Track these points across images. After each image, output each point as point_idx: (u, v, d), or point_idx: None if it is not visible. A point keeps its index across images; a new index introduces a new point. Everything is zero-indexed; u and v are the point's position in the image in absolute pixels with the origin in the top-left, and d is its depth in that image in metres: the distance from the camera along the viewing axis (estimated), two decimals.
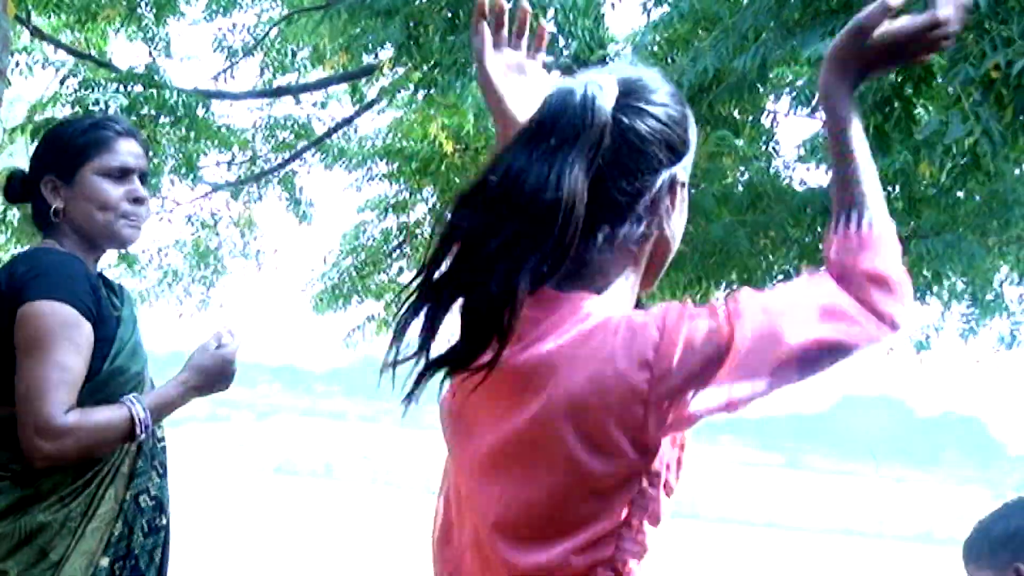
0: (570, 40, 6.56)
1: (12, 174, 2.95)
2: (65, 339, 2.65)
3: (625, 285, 1.89)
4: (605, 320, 1.80)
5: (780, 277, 8.30)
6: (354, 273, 11.97)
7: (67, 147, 2.87)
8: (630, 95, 1.84)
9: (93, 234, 2.87)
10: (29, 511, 2.69)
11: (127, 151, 2.91)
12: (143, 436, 2.75)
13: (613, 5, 6.60)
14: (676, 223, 1.91)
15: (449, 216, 1.82)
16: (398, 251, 12.10)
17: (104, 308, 2.76)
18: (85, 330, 2.68)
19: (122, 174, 2.88)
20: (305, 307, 12.13)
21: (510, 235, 1.74)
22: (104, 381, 2.74)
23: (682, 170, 1.90)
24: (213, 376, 2.89)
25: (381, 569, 23.48)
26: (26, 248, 2.90)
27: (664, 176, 1.85)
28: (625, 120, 1.82)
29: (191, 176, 10.76)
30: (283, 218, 11.95)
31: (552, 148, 1.77)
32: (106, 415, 2.70)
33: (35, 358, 2.63)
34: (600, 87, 1.80)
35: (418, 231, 11.95)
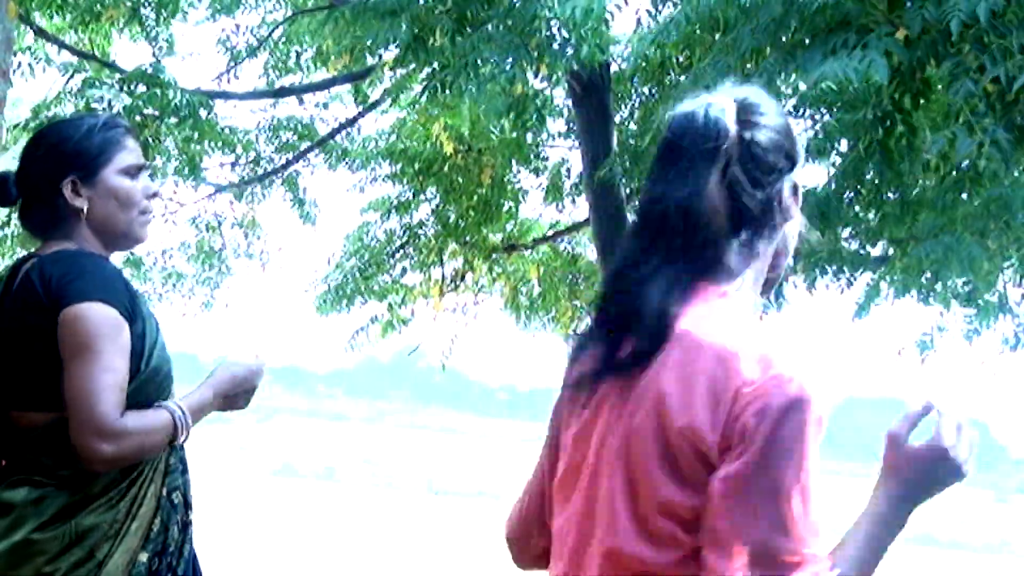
0: (571, 49, 6.55)
1: (4, 177, 2.91)
2: (110, 341, 2.65)
3: (752, 286, 2.02)
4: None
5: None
6: (357, 274, 11.97)
7: (87, 147, 2.86)
8: (746, 111, 1.99)
9: (114, 233, 2.88)
10: (79, 514, 2.70)
11: (137, 148, 2.95)
12: (184, 440, 2.79)
13: (613, 14, 6.58)
14: (793, 226, 2.07)
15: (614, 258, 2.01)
16: (401, 252, 12.11)
17: (137, 307, 2.77)
18: (126, 331, 2.69)
19: (137, 171, 2.91)
20: (308, 308, 12.14)
21: (663, 257, 1.92)
22: (144, 381, 2.75)
23: (798, 174, 2.05)
24: (240, 386, 2.95)
25: (382, 571, 23.48)
26: (55, 250, 2.82)
27: (785, 183, 2.01)
28: (747, 134, 1.97)
29: (194, 177, 10.78)
30: (287, 219, 11.96)
31: (684, 168, 1.95)
32: (154, 419, 2.73)
33: (85, 362, 2.63)
34: (721, 107, 1.97)
35: (421, 232, 11.96)
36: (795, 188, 2.03)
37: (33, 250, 2.90)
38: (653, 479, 1.85)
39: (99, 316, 2.66)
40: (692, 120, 1.97)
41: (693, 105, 1.99)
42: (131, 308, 2.74)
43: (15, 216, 10.43)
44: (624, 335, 1.94)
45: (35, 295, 2.71)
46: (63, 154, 2.86)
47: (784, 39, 5.00)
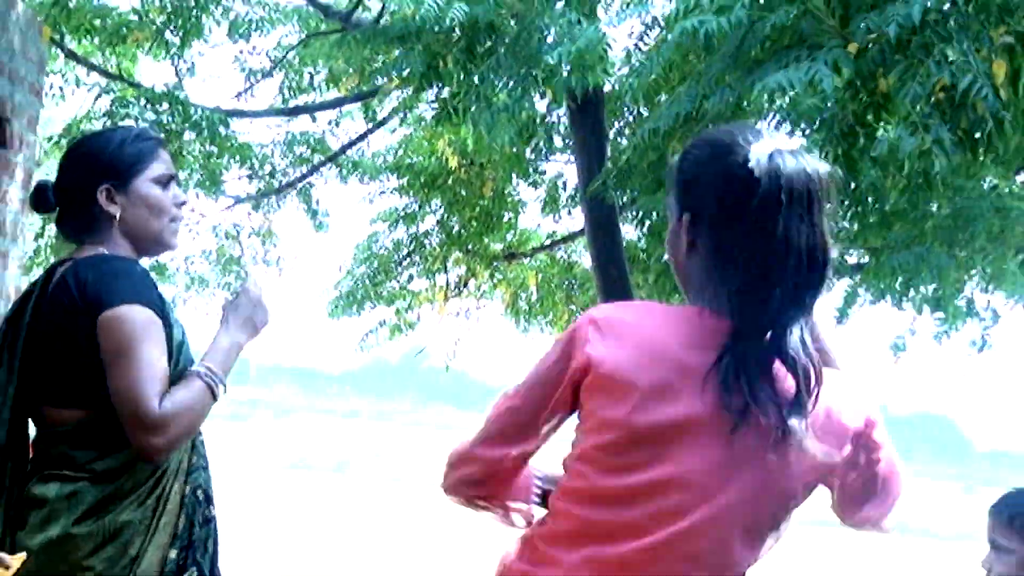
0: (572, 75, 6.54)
1: (44, 185, 2.90)
2: (148, 339, 2.63)
3: None
4: None
5: None
6: (367, 281, 11.96)
7: (121, 157, 2.83)
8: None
9: (145, 239, 2.85)
10: (112, 510, 2.67)
11: (168, 159, 2.92)
12: (224, 391, 2.73)
13: (610, 45, 6.57)
14: None
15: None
16: (408, 260, 12.10)
17: (165, 310, 2.74)
18: (160, 326, 2.67)
19: (168, 181, 2.88)
20: (321, 312, 12.13)
21: (793, 292, 2.00)
22: (173, 382, 2.71)
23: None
24: (248, 311, 2.86)
25: (391, 559, 23.46)
26: (89, 254, 2.80)
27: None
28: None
29: (215, 189, 10.78)
30: (301, 228, 11.97)
31: (811, 216, 2.02)
32: (189, 392, 2.67)
33: (126, 360, 2.60)
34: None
35: (426, 241, 11.95)
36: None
37: (67, 255, 2.87)
38: None
39: (135, 317, 2.63)
40: (804, 171, 2.03)
41: (792, 153, 2.05)
42: (161, 310, 2.71)
43: (49, 227, 10.39)
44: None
45: (70, 297, 2.68)
46: (99, 163, 2.84)
47: (744, 59, 5.00)
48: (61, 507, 2.66)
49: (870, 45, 4.55)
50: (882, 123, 5.16)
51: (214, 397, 2.72)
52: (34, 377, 2.74)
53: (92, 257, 2.77)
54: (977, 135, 4.46)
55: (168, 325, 2.73)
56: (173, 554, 2.72)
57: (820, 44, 4.62)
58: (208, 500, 2.84)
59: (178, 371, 2.75)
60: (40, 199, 2.90)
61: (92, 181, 2.82)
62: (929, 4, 4.29)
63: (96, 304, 2.65)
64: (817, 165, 2.03)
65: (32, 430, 2.83)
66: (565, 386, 2.08)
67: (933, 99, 4.40)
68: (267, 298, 2.90)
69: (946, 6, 4.32)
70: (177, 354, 2.76)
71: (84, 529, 2.65)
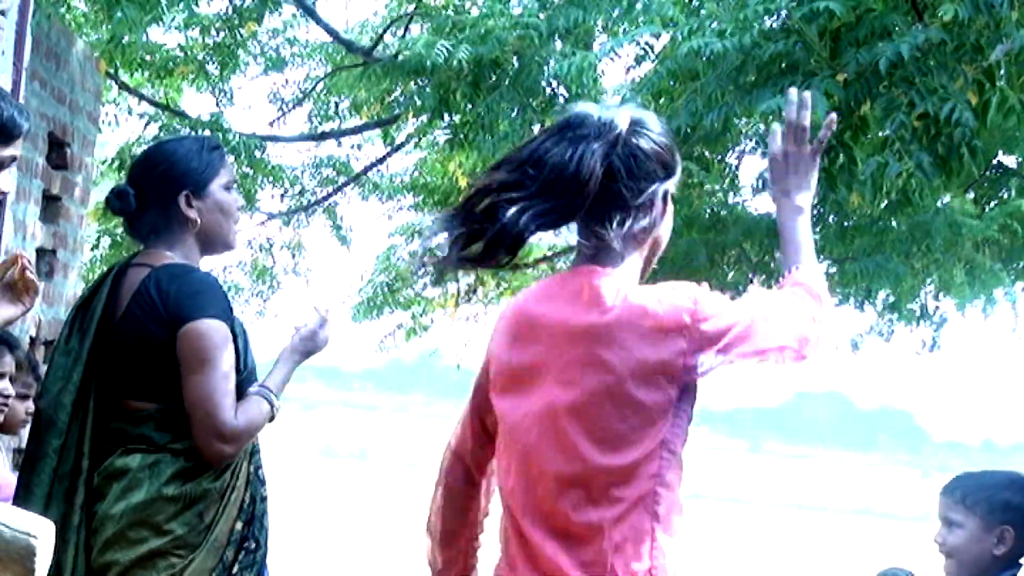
0: (567, 98, 6.58)
1: (126, 190, 2.83)
2: (224, 353, 2.63)
3: (633, 268, 2.11)
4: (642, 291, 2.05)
5: (733, 286, 8.38)
6: (386, 288, 11.98)
7: (197, 164, 2.79)
8: (637, 124, 2.07)
9: (214, 241, 2.83)
10: (193, 480, 2.65)
11: (231, 166, 2.93)
12: (278, 413, 2.76)
13: (603, 71, 6.61)
14: (665, 226, 2.15)
15: (485, 176, 2.07)
16: (422, 269, 12.12)
17: (233, 316, 2.74)
18: (232, 342, 2.67)
19: (232, 185, 2.87)
20: (345, 317, 12.14)
21: (534, 192, 1.99)
22: (246, 378, 2.74)
23: (672, 185, 2.12)
24: (314, 351, 2.91)
25: (407, 534, 23.49)
26: (165, 264, 2.74)
27: (660, 187, 2.08)
28: (633, 139, 2.05)
29: (250, 207, 10.81)
30: (327, 242, 12.00)
31: (576, 137, 1.99)
32: (257, 409, 2.70)
33: (205, 372, 2.60)
34: (616, 114, 2.06)
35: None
36: (665, 194, 2.10)
37: (135, 254, 2.83)
38: None
39: (214, 331, 2.63)
40: (589, 113, 2.05)
41: (596, 108, 2.07)
42: (231, 320, 2.72)
43: (103, 240, 10.28)
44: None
45: (154, 307, 2.66)
46: (177, 170, 2.79)
47: (742, 82, 5.01)
48: (143, 476, 2.63)
49: (858, 76, 4.57)
50: (856, 144, 5.19)
51: (271, 419, 2.74)
52: (113, 373, 2.71)
53: (171, 267, 2.73)
54: (952, 159, 4.50)
55: (233, 330, 2.72)
56: (239, 526, 2.71)
57: (813, 73, 4.64)
58: (264, 480, 2.84)
59: (250, 368, 2.76)
60: (123, 202, 2.81)
61: (173, 187, 2.78)
62: (918, 42, 4.32)
63: (179, 316, 2.63)
64: (618, 121, 2.05)
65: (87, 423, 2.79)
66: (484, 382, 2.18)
67: (913, 127, 4.45)
68: (330, 329, 2.93)
69: (931, 35, 4.35)
70: (245, 353, 2.76)
71: (168, 495, 2.63)
